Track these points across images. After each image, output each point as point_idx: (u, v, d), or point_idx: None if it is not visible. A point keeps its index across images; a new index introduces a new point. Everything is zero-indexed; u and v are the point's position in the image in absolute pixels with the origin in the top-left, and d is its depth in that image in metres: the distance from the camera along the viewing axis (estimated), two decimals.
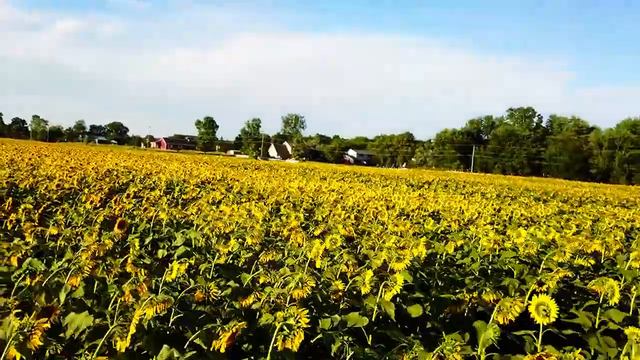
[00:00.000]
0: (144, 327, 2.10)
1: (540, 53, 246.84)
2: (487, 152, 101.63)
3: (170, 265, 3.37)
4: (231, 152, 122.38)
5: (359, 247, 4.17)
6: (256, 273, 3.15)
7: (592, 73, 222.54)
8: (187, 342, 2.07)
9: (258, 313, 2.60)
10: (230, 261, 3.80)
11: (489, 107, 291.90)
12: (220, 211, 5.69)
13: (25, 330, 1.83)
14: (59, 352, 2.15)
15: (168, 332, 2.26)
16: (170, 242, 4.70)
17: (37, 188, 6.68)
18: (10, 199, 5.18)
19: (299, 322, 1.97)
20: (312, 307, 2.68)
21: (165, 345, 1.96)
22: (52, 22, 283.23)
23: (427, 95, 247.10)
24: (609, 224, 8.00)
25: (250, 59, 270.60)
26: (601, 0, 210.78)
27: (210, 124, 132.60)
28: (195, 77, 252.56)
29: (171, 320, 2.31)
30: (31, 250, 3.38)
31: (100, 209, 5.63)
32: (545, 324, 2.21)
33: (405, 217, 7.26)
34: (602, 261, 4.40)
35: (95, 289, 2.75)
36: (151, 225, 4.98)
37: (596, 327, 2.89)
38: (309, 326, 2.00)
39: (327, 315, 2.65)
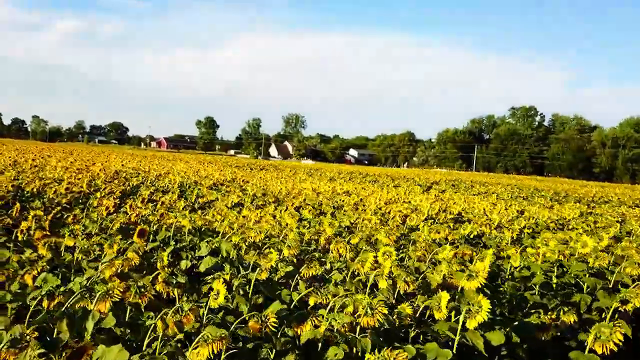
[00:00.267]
0: None
1: (541, 52, 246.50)
2: (489, 152, 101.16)
3: (209, 284, 3.00)
4: (231, 152, 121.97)
5: (405, 259, 3.78)
6: (305, 292, 2.77)
7: (593, 72, 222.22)
8: None
9: (320, 345, 2.22)
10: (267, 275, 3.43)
11: (489, 107, 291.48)
12: (244, 217, 5.32)
13: None
14: None
15: None
16: (194, 251, 4.32)
17: (45, 192, 6.30)
18: (18, 204, 4.79)
19: None
20: (381, 336, 2.29)
21: None
22: (52, 22, 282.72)
23: (427, 95, 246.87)
24: None
25: (250, 58, 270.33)
26: None
27: (210, 124, 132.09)
28: (195, 77, 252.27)
29: (222, 357, 1.93)
30: (47, 267, 2.99)
31: (114, 214, 5.26)
32: None
33: (431, 220, 6.88)
34: None
35: (127, 316, 2.36)
36: (171, 232, 4.60)
37: None
38: None
39: (397, 345, 2.27)
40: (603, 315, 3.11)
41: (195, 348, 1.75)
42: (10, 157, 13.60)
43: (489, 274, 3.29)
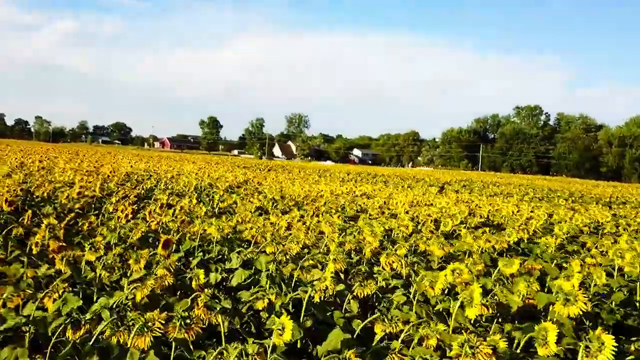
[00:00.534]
0: None
1: (541, 51, 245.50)
2: (494, 151, 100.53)
3: (249, 303, 2.64)
4: (235, 152, 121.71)
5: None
6: (370, 318, 2.37)
7: (596, 71, 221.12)
8: None
9: None
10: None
11: (491, 106, 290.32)
12: (272, 223, 4.93)
13: None
14: None
15: None
16: (223, 263, 3.94)
17: (56, 196, 5.93)
18: (30, 211, 4.42)
19: None
20: None
21: None
22: (52, 22, 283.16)
23: (429, 94, 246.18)
24: None
25: (251, 58, 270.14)
26: None
27: (214, 124, 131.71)
28: (197, 77, 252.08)
29: None
30: (69, 287, 2.61)
31: (132, 221, 4.88)
32: None
33: (462, 225, 6.48)
34: None
35: (173, 355, 1.97)
36: (196, 242, 4.21)
37: None
38: None
39: None
40: None
41: None
42: (16, 158, 13.24)
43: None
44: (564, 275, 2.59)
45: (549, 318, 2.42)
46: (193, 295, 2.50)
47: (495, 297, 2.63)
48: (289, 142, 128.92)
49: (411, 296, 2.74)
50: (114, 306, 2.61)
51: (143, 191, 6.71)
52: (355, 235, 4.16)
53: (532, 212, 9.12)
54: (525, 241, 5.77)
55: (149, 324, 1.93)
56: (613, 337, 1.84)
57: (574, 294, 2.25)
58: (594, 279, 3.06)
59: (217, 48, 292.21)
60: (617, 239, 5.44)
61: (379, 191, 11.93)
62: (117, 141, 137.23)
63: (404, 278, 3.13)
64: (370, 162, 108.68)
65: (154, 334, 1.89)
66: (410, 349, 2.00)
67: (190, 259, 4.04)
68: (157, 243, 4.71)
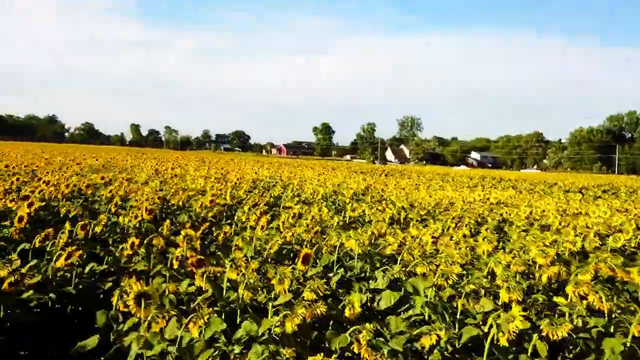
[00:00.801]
0: None
1: None
2: (633, 151, 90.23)
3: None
4: (347, 157, 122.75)
5: None
6: None
7: None
8: None
9: None
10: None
11: (625, 104, 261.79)
12: (413, 237, 4.45)
13: None
14: None
15: None
16: (367, 282, 3.54)
17: (190, 205, 5.98)
18: (168, 221, 4.39)
19: None
20: None
21: None
22: (176, 39, 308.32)
23: (550, 94, 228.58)
24: None
25: (358, 63, 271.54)
26: None
27: (326, 130, 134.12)
28: (308, 84, 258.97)
29: None
30: (215, 315, 2.36)
31: (266, 231, 4.69)
32: None
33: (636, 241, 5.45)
34: None
35: None
36: (335, 256, 3.87)
37: None
38: None
39: None
40: None
41: None
42: (151, 166, 14.12)
43: None
44: None
45: None
46: (352, 330, 2.11)
47: None
48: (402, 146, 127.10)
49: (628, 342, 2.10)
50: (261, 336, 2.32)
51: (272, 199, 6.58)
52: (521, 254, 3.53)
53: None
54: None
55: None
56: None
57: None
58: None
59: (324, 54, 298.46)
60: None
61: (514, 198, 10.88)
62: (237, 148, 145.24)
63: (605, 315, 2.47)
64: (489, 165, 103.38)
65: None
66: None
67: (330, 274, 3.71)
68: (290, 254, 4.49)
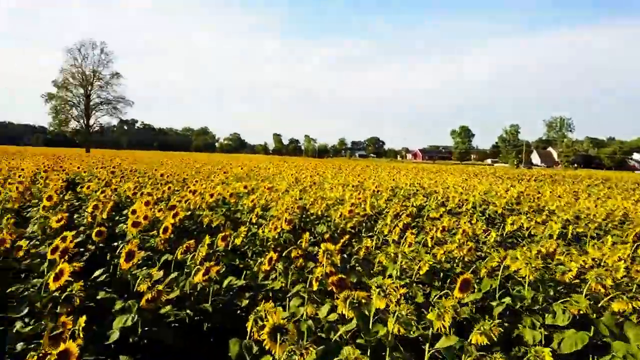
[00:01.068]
0: None
1: None
2: None
3: None
4: (488, 161, 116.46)
5: None
6: None
7: None
8: None
9: None
10: None
11: None
12: (594, 259, 3.63)
13: None
14: None
15: None
16: (542, 316, 2.88)
17: (330, 214, 5.71)
18: (307, 234, 4.12)
19: None
20: None
21: None
22: (312, 51, 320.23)
23: None
24: None
25: (500, 63, 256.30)
26: None
27: (465, 133, 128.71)
28: (445, 86, 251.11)
29: None
30: (359, 352, 1.96)
31: (413, 247, 4.21)
32: None
33: None
34: None
35: None
36: (497, 282, 3.25)
37: None
38: None
39: None
40: None
41: None
42: (291, 174, 14.38)
43: None
44: None
45: None
46: None
47: None
48: (550, 148, 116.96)
49: None
50: None
51: (414, 208, 6.07)
52: None
53: None
54: None
55: None
56: None
57: None
58: None
59: (463, 55, 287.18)
60: None
61: None
62: (372, 154, 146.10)
63: None
64: None
65: None
66: None
67: (492, 303, 3.11)
68: (439, 274, 3.95)
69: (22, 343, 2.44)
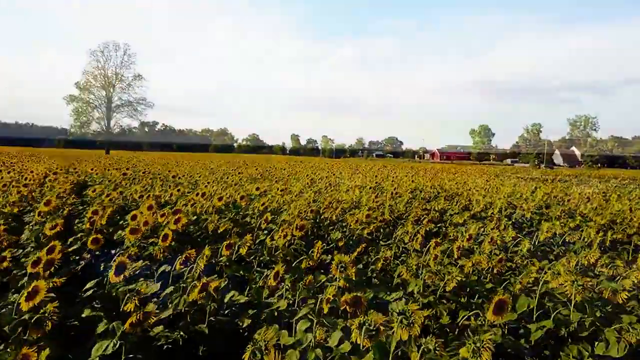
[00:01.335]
0: None
1: None
2: None
3: None
4: (508, 161, 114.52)
5: None
6: None
7: None
8: None
9: None
10: None
11: None
12: None
13: None
14: None
15: None
16: (591, 345, 2.45)
17: (345, 219, 5.32)
18: (320, 242, 3.74)
19: None
20: None
21: None
22: (333, 52, 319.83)
23: None
24: None
25: (519, 60, 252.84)
26: None
27: (485, 132, 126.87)
28: (463, 84, 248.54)
29: None
30: None
31: (431, 258, 3.80)
32: None
33: None
34: None
35: None
36: (536, 300, 2.82)
37: None
38: None
39: None
40: None
41: None
42: (307, 175, 14.01)
43: None
44: None
45: None
46: None
47: None
48: (573, 148, 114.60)
49: None
50: None
51: (437, 213, 5.64)
52: None
53: None
54: None
55: None
56: None
57: None
58: None
59: (481, 54, 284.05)
60: None
61: None
62: (389, 154, 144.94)
63: None
64: None
65: None
66: None
67: (530, 326, 2.69)
68: (466, 289, 3.54)
69: None
